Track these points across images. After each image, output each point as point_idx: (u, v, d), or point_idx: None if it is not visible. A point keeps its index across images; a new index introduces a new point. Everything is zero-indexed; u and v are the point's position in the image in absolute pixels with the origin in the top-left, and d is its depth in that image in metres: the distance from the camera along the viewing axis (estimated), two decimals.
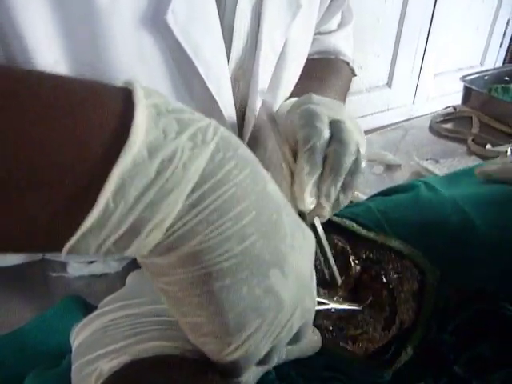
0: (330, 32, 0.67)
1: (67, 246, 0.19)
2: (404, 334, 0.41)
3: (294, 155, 0.40)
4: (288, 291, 0.23)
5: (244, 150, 0.22)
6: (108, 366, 0.27)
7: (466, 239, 0.47)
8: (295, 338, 0.27)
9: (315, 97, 0.43)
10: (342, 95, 0.61)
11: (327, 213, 0.39)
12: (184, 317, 0.23)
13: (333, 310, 0.42)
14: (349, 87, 0.67)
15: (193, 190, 0.19)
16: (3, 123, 0.17)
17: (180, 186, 0.19)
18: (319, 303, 0.41)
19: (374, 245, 0.47)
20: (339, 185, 0.38)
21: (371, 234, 0.49)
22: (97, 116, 0.18)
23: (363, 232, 0.49)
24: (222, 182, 0.20)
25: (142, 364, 0.27)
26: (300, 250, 0.24)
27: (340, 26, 0.68)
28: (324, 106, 0.42)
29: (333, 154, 0.38)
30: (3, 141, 0.17)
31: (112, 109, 0.19)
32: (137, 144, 0.18)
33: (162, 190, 0.19)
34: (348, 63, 0.68)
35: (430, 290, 0.44)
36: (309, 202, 0.38)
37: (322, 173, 0.38)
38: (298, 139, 0.39)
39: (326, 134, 0.39)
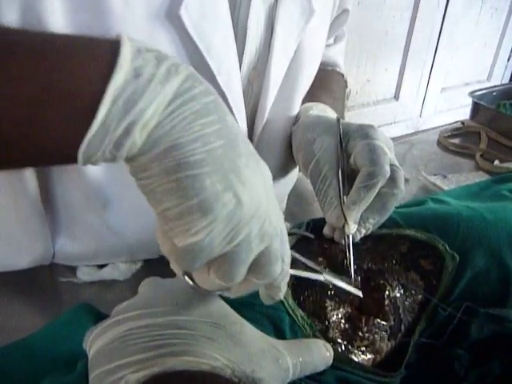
0: (329, 45, 0.71)
1: (81, 150, 0.24)
2: (409, 340, 0.40)
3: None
4: (245, 195, 0.27)
5: (208, 85, 0.28)
6: (135, 376, 0.27)
7: (480, 228, 0.47)
8: (257, 264, 0.30)
9: (377, 130, 0.49)
10: (343, 104, 0.69)
11: (358, 236, 0.46)
12: (159, 204, 0.27)
13: (324, 280, 0.41)
14: (345, 96, 0.74)
15: (169, 103, 0.25)
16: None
17: (158, 98, 0.25)
18: (311, 269, 0.41)
19: (378, 255, 0.47)
20: (381, 220, 0.46)
21: (383, 231, 0.48)
22: (93, 55, 0.25)
23: (376, 231, 0.48)
24: (190, 100, 0.26)
25: (176, 377, 0.27)
26: (254, 173, 0.28)
27: (336, 40, 0.72)
28: (385, 143, 0.47)
29: (390, 195, 0.45)
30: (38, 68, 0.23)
31: (105, 49, 0.25)
32: (124, 69, 0.24)
33: (146, 101, 0.25)
34: (343, 75, 0.73)
35: (447, 278, 0.44)
36: (352, 227, 0.45)
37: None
38: (362, 171, 0.45)
39: (388, 175, 0.44)
